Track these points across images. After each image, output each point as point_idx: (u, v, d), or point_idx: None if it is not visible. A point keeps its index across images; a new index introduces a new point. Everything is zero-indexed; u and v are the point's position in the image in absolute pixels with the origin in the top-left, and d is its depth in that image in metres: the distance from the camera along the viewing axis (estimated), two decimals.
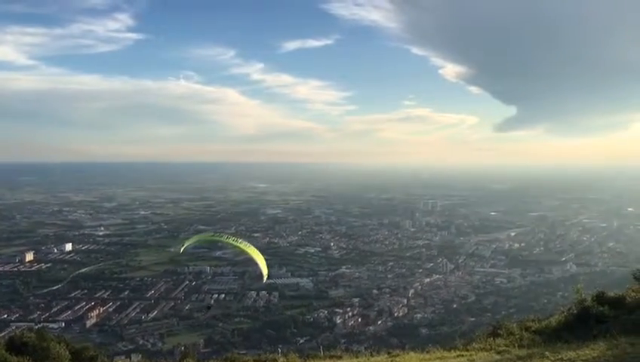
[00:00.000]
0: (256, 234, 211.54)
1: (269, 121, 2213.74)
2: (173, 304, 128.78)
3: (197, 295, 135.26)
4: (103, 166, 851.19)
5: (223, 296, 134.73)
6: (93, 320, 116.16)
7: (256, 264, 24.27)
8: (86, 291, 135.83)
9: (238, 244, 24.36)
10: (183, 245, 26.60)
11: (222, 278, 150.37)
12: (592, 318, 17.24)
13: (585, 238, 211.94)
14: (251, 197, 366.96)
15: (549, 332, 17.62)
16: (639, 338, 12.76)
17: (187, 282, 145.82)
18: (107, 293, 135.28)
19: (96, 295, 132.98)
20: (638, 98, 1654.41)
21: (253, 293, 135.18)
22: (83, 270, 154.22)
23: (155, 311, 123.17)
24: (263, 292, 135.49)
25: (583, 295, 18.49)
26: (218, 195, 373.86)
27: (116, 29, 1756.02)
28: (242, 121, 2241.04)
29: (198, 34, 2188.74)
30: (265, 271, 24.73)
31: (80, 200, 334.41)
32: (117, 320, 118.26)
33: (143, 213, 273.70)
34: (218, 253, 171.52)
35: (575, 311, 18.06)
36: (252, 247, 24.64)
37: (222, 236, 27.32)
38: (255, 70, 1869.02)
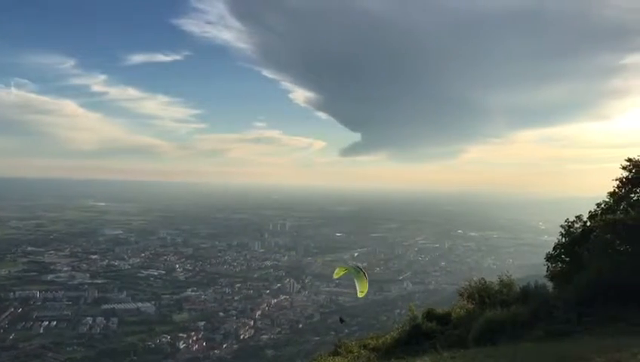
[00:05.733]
0: (93, 256, 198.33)
1: (112, 136, 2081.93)
2: None
3: (24, 323, 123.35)
4: None
5: (55, 323, 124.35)
6: None
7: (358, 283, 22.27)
8: None
9: (357, 277, 22.16)
10: (337, 273, 23.60)
11: (54, 304, 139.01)
12: (422, 334, 18.37)
13: (420, 258, 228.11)
14: (89, 217, 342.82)
15: (384, 349, 18.44)
16: (460, 352, 13.73)
17: (12, 309, 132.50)
18: None
19: None
20: (467, 130, 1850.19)
21: (89, 319, 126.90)
22: None
23: None
24: (100, 318, 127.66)
25: (415, 312, 19.69)
26: (51, 214, 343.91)
27: None
28: (81, 134, 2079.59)
29: (33, 40, 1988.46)
30: (361, 290, 22.45)
31: None
32: None
33: None
34: (50, 277, 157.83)
35: (408, 328, 19.14)
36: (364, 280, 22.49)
37: (351, 269, 23.90)
38: (97, 82, 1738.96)
